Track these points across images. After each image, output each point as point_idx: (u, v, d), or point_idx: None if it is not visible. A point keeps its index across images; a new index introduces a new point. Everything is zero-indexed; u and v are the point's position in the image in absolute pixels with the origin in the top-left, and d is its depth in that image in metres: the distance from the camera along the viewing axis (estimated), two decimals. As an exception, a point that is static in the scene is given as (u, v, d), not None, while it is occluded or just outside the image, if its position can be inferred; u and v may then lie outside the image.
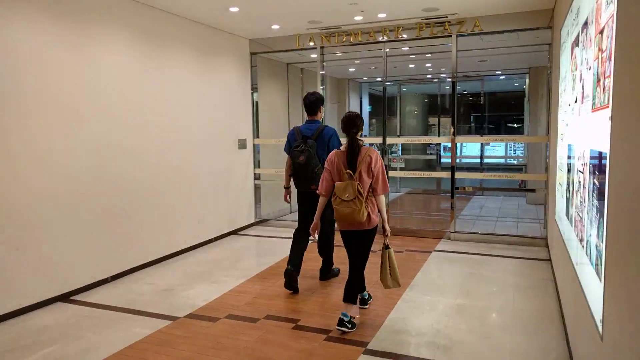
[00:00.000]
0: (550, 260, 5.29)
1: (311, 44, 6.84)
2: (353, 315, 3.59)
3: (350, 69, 9.31)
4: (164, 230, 5.55)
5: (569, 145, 3.50)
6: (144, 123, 5.22)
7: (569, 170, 3.47)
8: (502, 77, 11.23)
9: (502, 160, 17.04)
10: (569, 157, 3.43)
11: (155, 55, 5.37)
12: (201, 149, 6.16)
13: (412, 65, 8.85)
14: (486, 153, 15.59)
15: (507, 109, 18.10)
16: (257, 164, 7.45)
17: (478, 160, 12.68)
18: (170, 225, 5.65)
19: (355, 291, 3.61)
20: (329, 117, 10.21)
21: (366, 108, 12.13)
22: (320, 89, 6.99)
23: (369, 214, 3.46)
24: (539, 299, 4.23)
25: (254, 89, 7.37)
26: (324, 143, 4.26)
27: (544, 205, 7.03)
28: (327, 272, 4.75)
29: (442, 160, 11.67)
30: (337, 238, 4.19)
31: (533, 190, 8.58)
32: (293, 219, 7.59)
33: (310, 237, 4.29)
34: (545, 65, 9.14)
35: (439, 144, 11.44)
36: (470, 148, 16.85)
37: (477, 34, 6.06)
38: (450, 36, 6.12)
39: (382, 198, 3.57)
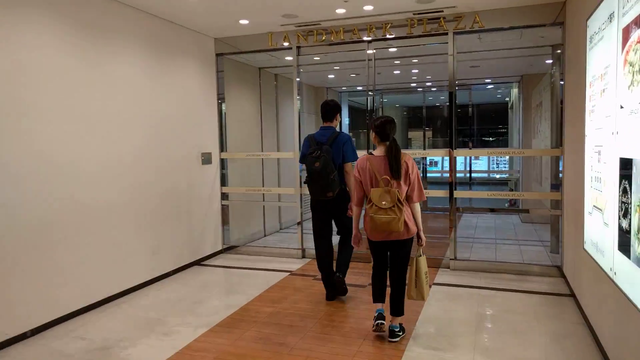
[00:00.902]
0: (572, 295, 4.46)
1: (286, 44, 5.95)
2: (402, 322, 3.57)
3: (330, 76, 8.46)
4: (108, 264, 4.50)
5: (622, 160, 2.67)
6: (81, 132, 4.20)
7: (625, 192, 2.64)
8: (490, 87, 10.58)
9: (485, 175, 16.42)
10: (625, 176, 2.61)
11: (96, 50, 4.38)
12: (156, 165, 5.16)
13: (398, 72, 8.06)
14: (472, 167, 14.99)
15: (490, 121, 17.64)
16: (225, 181, 6.47)
17: (463, 175, 12.02)
18: (116, 257, 4.60)
19: (402, 302, 3.51)
20: (308, 129, 9.33)
21: (344, 120, 11.28)
22: (296, 98, 6.10)
23: (406, 223, 3.31)
24: (578, 353, 3.36)
25: (221, 97, 6.43)
26: (339, 149, 4.16)
27: (550, 226, 6.26)
28: (340, 288, 4.42)
29: (428, 175, 10.93)
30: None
31: (526, 211, 7.82)
32: (267, 245, 6.64)
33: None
34: (539, 73, 8.59)
35: (424, 158, 10.68)
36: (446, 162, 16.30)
37: (477, 31, 5.28)
38: (447, 34, 5.32)
39: (418, 206, 3.43)
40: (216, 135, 6.31)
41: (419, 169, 3.63)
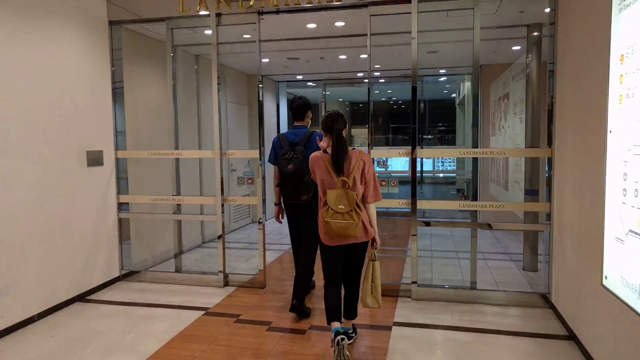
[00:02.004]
0: (572, 337, 3.44)
1: (203, 12, 4.57)
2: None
3: (264, 60, 7.12)
4: None
5: None
6: None
7: None
8: (442, 79, 9.67)
9: (431, 175, 15.70)
10: None
11: None
12: (12, 168, 3.63)
13: (343, 57, 6.86)
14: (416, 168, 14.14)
15: (435, 118, 17.00)
16: (123, 188, 4.99)
17: (406, 175, 11.11)
18: None
19: (356, 305, 3.39)
20: (236, 123, 7.92)
21: (284, 115, 9.99)
22: (215, 83, 4.74)
23: (364, 226, 3.12)
24: None
25: (119, 80, 4.94)
26: (312, 149, 3.75)
27: (514, 235, 5.31)
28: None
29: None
30: None
31: (488, 227, 6.88)
32: (182, 267, 5.21)
33: None
34: (501, 63, 7.73)
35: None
36: (396, 162, 15.42)
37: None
38: (409, 1, 4.16)
39: (374, 207, 3.25)
40: (110, 129, 4.81)
41: None
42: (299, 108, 4.07)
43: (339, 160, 3.06)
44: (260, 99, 5.09)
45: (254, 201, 4.85)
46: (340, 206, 3.00)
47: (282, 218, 4.27)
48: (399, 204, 4.31)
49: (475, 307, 4.15)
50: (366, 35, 4.27)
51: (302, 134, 4.01)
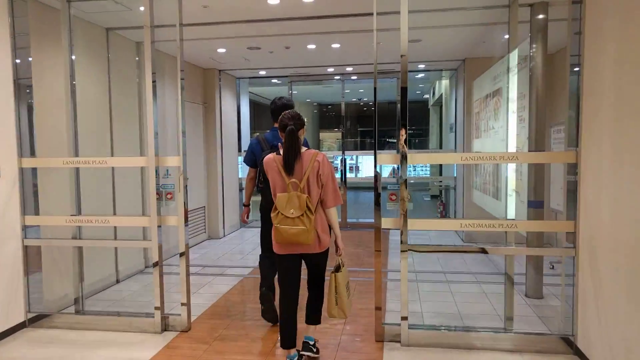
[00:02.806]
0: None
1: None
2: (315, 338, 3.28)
3: (219, 50, 6.10)
4: None
5: None
6: None
7: None
8: (419, 76, 8.86)
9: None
10: None
11: None
12: None
13: (312, 47, 5.91)
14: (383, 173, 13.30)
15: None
16: (31, 206, 3.89)
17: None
18: None
19: (320, 311, 3.18)
20: (191, 124, 6.85)
21: (246, 117, 8.98)
22: (148, 75, 3.70)
23: (318, 234, 2.91)
24: None
25: (26, 70, 3.85)
26: None
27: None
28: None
29: (349, 182, 8.98)
30: None
31: (484, 251, 6.12)
32: (112, 301, 3.97)
33: None
34: (487, 56, 6.97)
35: (342, 162, 8.72)
36: (367, 167, 14.58)
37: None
38: (396, -34, 3.26)
39: (334, 211, 3.02)
40: (11, 130, 3.70)
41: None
42: (279, 109, 3.80)
43: (289, 160, 2.87)
44: (181, 90, 4.05)
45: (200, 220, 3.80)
46: (291, 210, 2.83)
47: (248, 219, 4.16)
48: (390, 224, 3.40)
49: (482, 356, 3.27)
50: (338, 17, 3.35)
51: None
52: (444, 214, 9.21)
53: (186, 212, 3.66)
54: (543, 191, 4.29)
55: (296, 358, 3.04)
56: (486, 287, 4.78)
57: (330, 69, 7.69)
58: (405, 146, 3.35)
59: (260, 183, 3.81)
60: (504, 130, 5.50)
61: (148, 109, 3.61)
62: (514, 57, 5.20)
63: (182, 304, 3.73)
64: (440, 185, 9.44)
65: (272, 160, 2.97)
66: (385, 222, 3.41)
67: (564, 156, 3.29)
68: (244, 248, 6.85)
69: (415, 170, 15.82)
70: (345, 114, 8.79)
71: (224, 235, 7.73)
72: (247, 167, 3.93)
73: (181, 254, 3.70)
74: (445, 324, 3.80)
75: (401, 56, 3.33)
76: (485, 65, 6.47)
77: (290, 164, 2.86)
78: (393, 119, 12.46)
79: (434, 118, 13.11)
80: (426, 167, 14.36)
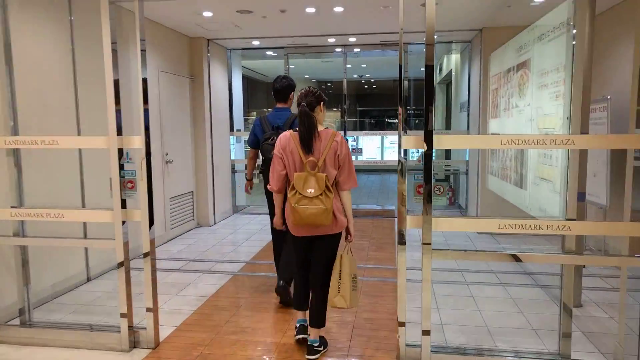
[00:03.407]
0: None
1: None
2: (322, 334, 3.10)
3: (205, 14, 5.32)
4: None
5: None
6: None
7: None
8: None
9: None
10: None
11: None
12: None
13: (312, 10, 5.12)
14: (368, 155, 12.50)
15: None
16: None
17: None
18: None
19: (324, 311, 3.01)
20: (175, 100, 6.09)
21: (238, 93, 8.23)
22: (138, 43, 2.93)
23: (335, 214, 2.82)
24: None
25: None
26: None
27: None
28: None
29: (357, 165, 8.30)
30: None
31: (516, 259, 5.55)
32: (76, 305, 3.30)
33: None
34: (508, 25, 6.18)
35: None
36: (368, 149, 13.84)
37: None
38: None
39: (349, 194, 2.93)
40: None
41: None
42: (282, 89, 3.85)
43: (307, 137, 2.79)
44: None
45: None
46: (309, 190, 2.75)
47: (251, 189, 4.22)
48: (411, 223, 2.74)
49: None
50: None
51: (285, 117, 3.80)
52: (453, 201, 8.56)
53: (151, 206, 2.97)
54: (585, 182, 3.62)
55: (305, 324, 3.10)
56: (513, 291, 4.15)
57: (331, 39, 6.92)
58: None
59: (262, 165, 3.80)
60: (531, 108, 4.80)
61: (107, 79, 2.87)
62: (549, 20, 4.46)
63: (148, 310, 3.06)
64: (448, 170, 8.74)
65: (288, 137, 2.87)
66: (406, 221, 2.73)
67: (635, 140, 2.59)
68: (236, 238, 6.19)
69: (418, 152, 15.07)
70: (347, 92, 8.03)
71: (215, 223, 7.06)
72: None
73: (145, 254, 3.02)
74: (472, 341, 3.17)
75: (425, 27, 2.59)
76: (507, 35, 5.72)
77: (308, 142, 2.77)
78: (395, 98, 11.72)
79: (440, 97, 12.35)
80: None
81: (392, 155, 12.85)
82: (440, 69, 11.06)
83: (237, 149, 8.05)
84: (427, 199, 2.72)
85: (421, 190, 2.72)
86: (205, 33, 6.39)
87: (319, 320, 2.98)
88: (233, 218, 7.52)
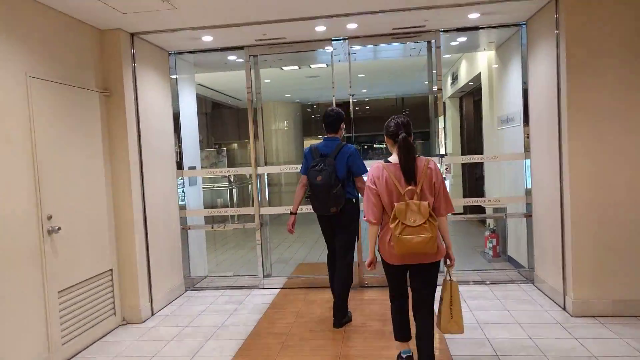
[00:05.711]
0: None
1: None
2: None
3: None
4: None
5: None
6: None
7: None
8: (453, 43, 5.78)
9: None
10: None
11: None
12: None
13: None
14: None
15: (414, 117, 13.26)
16: None
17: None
18: None
19: (433, 341, 2.96)
20: (72, 134, 3.67)
21: (191, 118, 5.88)
22: None
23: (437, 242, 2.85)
24: None
25: None
26: (343, 162, 3.96)
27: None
28: (343, 316, 4.06)
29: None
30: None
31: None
32: None
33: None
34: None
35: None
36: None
37: None
38: None
39: (446, 220, 2.96)
40: None
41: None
42: (333, 122, 4.05)
43: (409, 168, 2.84)
44: None
45: None
46: (414, 219, 2.73)
47: (293, 227, 4.14)
48: None
49: None
50: None
51: (334, 145, 3.99)
52: (498, 254, 6.15)
53: None
54: None
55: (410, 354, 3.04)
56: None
57: (321, 28, 4.63)
58: None
59: (309, 190, 3.96)
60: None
61: None
62: None
63: None
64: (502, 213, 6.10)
65: (381, 169, 2.92)
66: None
67: None
68: (189, 342, 3.70)
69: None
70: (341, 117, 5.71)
71: (153, 314, 4.57)
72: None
73: None
74: None
75: None
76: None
77: (410, 172, 2.82)
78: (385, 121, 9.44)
79: (450, 114, 10.11)
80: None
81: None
82: (455, 79, 8.85)
83: (192, 194, 5.64)
84: None
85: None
86: (122, 22, 4.07)
87: (430, 354, 2.90)
88: (185, 299, 5.02)
